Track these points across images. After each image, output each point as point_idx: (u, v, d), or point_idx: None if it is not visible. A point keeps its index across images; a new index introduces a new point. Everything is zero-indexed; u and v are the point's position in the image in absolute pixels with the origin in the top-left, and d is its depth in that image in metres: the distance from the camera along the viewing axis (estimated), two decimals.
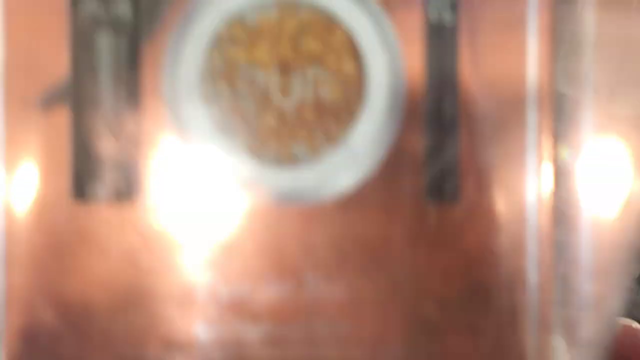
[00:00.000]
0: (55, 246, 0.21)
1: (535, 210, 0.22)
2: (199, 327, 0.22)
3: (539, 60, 0.22)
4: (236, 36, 0.22)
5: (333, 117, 0.22)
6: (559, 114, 0.23)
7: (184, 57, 0.22)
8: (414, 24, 0.22)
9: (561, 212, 0.23)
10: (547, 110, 0.23)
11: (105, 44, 0.21)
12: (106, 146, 0.21)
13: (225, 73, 0.22)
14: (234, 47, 0.22)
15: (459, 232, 0.22)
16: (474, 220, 0.22)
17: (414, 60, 0.22)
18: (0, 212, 0.21)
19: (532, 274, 0.23)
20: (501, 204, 0.22)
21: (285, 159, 0.22)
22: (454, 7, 0.22)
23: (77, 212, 0.21)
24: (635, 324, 0.27)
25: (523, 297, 0.22)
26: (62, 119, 0.21)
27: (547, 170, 0.23)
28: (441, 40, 0.22)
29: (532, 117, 0.22)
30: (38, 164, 0.21)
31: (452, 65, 0.22)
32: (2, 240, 0.21)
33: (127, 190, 0.21)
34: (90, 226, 0.21)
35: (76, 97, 0.21)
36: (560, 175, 0.23)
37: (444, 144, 0.22)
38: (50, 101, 0.21)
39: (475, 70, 0.22)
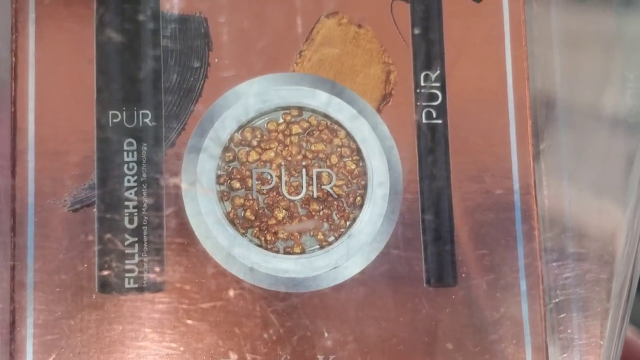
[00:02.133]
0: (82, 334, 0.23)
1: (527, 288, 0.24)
2: None
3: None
4: (248, 139, 0.24)
5: (339, 211, 0.24)
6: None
7: (201, 160, 0.24)
8: (408, 125, 0.25)
9: None
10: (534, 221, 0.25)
11: (129, 150, 0.24)
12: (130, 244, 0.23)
13: (238, 173, 0.24)
14: (245, 149, 0.24)
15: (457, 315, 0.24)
16: (471, 304, 0.24)
17: (410, 156, 0.25)
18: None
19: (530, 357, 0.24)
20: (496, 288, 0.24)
21: (295, 249, 0.24)
22: (443, 110, 0.25)
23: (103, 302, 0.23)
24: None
25: None
26: (89, 219, 0.23)
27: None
28: (432, 138, 0.25)
29: (517, 208, 0.25)
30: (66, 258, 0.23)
31: (444, 159, 0.25)
32: None
33: (151, 285, 0.23)
34: (117, 316, 0.23)
35: (102, 199, 0.24)
36: None
37: (439, 229, 0.24)
38: (77, 202, 0.23)
39: (464, 159, 0.25)
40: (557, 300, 0.24)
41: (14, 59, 0.24)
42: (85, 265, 0.23)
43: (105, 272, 0.23)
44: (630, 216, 0.25)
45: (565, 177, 0.25)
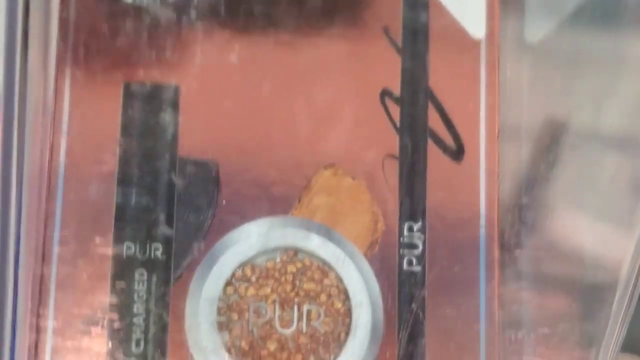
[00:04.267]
0: None
1: None
2: None
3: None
4: (248, 276, 0.27)
5: (324, 345, 0.27)
6: None
7: (204, 292, 0.27)
8: (391, 270, 0.28)
9: None
10: None
11: (140, 280, 0.26)
12: None
13: (237, 306, 0.27)
14: (245, 284, 0.27)
15: None
16: None
17: (391, 300, 0.27)
18: None
19: None
20: None
21: None
22: (423, 259, 0.28)
23: None
24: None
25: None
26: (100, 341, 0.26)
27: None
28: (412, 284, 0.28)
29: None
30: None
31: (421, 304, 0.27)
32: None
33: None
34: None
35: (113, 323, 0.26)
36: None
37: None
38: (91, 325, 0.26)
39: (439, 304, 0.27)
40: None
41: None
42: None
43: None
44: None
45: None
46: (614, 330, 0.27)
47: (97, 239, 0.26)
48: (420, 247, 0.28)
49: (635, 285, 0.28)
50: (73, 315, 0.26)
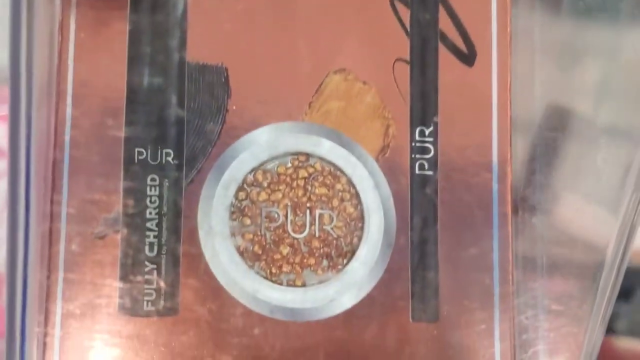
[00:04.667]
0: (104, 352, 0.25)
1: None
2: None
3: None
4: (259, 181, 0.27)
5: (337, 249, 0.27)
6: None
7: (217, 197, 0.27)
8: (402, 174, 0.28)
9: None
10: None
11: (152, 184, 0.26)
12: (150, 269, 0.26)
13: (249, 210, 0.27)
14: (257, 189, 0.27)
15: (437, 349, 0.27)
16: (450, 339, 0.27)
17: (403, 203, 0.27)
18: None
19: None
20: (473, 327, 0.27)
21: (296, 282, 0.27)
22: (435, 163, 0.28)
23: (123, 324, 0.26)
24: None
25: None
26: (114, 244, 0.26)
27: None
28: (424, 188, 0.28)
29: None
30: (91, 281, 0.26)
31: (433, 208, 0.27)
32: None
33: (168, 308, 0.26)
34: (134, 337, 0.26)
35: (126, 227, 0.26)
36: None
37: (426, 272, 0.27)
38: (104, 230, 0.26)
39: (451, 210, 0.27)
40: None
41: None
42: (108, 289, 0.26)
43: (126, 295, 0.26)
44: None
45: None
46: (601, 308, 0.28)
47: (109, 121, 0.26)
48: (432, 152, 0.28)
49: (620, 265, 0.28)
50: (86, 200, 0.26)
